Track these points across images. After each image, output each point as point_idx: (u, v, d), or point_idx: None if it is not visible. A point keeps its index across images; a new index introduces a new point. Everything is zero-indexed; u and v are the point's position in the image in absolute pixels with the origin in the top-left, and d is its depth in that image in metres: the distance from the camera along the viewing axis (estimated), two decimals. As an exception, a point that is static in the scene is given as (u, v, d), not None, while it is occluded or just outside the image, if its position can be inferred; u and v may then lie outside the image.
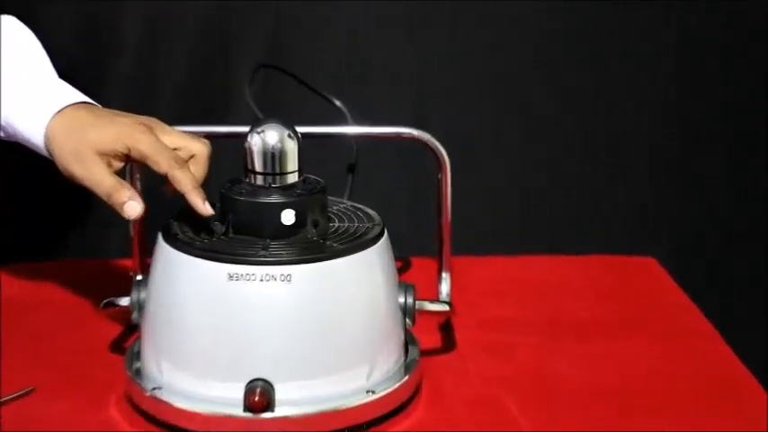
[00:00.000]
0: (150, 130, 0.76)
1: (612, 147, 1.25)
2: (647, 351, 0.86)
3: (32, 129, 0.78)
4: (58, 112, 0.78)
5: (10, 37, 0.84)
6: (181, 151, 0.77)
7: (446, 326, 0.88)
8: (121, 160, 0.76)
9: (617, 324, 0.92)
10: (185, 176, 0.74)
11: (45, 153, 0.79)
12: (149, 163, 0.75)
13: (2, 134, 0.82)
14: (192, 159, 0.77)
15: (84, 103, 0.80)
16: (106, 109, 0.80)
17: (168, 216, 0.77)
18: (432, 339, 0.86)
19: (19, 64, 0.82)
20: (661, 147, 1.24)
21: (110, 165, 0.76)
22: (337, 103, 0.91)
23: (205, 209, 0.74)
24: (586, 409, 0.77)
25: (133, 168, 0.84)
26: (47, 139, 0.78)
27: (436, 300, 0.87)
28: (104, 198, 0.75)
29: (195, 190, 0.74)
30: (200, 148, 0.77)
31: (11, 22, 0.86)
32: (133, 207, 0.74)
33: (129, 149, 0.75)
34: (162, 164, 0.74)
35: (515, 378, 0.81)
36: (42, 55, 0.85)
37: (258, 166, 0.74)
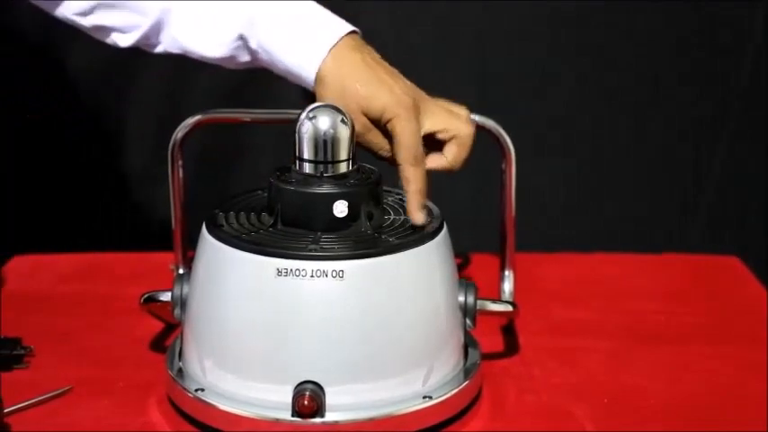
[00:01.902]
0: (417, 108, 0.77)
1: (691, 138, 1.26)
2: (731, 360, 0.85)
3: (305, 61, 0.78)
4: (333, 47, 0.78)
5: None
6: (442, 133, 0.78)
7: (509, 328, 0.88)
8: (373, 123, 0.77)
9: (698, 329, 0.91)
10: (417, 177, 0.76)
11: (305, 85, 0.80)
12: (396, 147, 0.76)
13: (256, 64, 0.82)
14: (453, 141, 0.78)
15: (352, 34, 0.80)
16: (372, 52, 0.80)
17: (213, 205, 0.78)
18: (493, 342, 0.86)
19: None
20: (740, 141, 1.25)
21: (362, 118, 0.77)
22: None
23: (418, 216, 0.75)
24: (664, 424, 0.76)
25: (175, 154, 0.85)
26: (318, 79, 0.78)
27: (498, 299, 0.87)
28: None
29: (418, 195, 0.76)
30: (463, 130, 0.78)
31: None
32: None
33: (386, 123, 0.76)
34: (406, 156, 0.76)
35: (585, 387, 0.81)
36: None
37: (309, 154, 0.75)
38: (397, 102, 0.76)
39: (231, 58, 0.82)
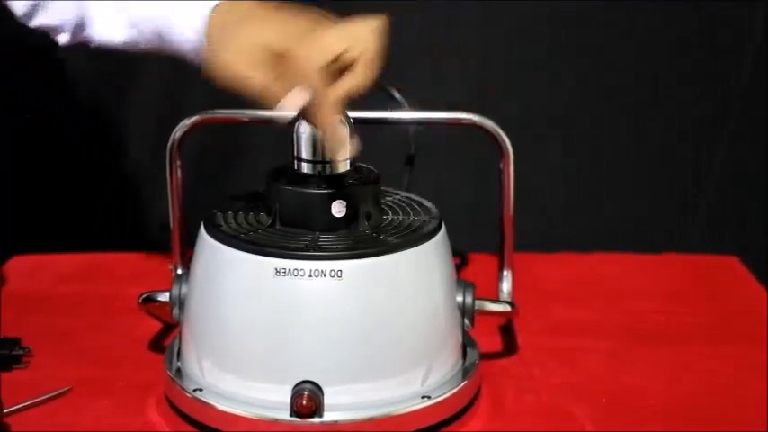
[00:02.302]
0: (313, 32, 0.72)
1: (691, 137, 1.26)
2: (731, 360, 0.85)
3: (191, 20, 0.79)
4: (218, 4, 0.77)
5: None
6: (347, 54, 0.72)
7: (507, 328, 0.88)
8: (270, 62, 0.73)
9: (697, 329, 0.91)
10: (328, 98, 0.71)
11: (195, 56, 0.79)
12: (298, 72, 0.71)
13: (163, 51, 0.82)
14: (359, 59, 0.72)
15: None
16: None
17: (211, 205, 0.78)
18: (492, 342, 0.86)
19: None
20: (740, 142, 1.26)
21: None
22: (397, 95, 0.91)
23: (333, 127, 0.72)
24: (664, 424, 0.76)
25: (174, 154, 0.85)
26: (206, 36, 0.77)
27: (497, 299, 0.87)
28: (258, 94, 0.73)
29: (333, 109, 0.71)
30: (367, 46, 0.73)
31: None
32: (293, 98, 0.71)
33: (284, 57, 0.72)
34: (313, 78, 0.71)
35: (584, 387, 0.81)
36: None
37: (307, 154, 0.75)
38: (287, 29, 0.73)
39: (137, 43, 0.83)
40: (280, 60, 0.73)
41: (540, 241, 1.11)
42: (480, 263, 0.99)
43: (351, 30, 0.74)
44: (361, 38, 0.73)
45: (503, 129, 0.85)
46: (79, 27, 0.86)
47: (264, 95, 0.73)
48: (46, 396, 0.77)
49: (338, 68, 0.73)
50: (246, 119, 0.87)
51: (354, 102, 0.82)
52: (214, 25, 0.78)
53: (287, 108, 0.72)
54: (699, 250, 1.09)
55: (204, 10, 0.79)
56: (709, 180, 1.29)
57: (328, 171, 0.75)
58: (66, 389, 0.78)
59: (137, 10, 0.83)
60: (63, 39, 0.87)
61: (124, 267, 1.03)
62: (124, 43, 0.84)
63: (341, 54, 0.72)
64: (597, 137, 1.28)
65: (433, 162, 1.09)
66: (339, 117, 0.74)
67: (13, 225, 1.22)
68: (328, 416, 0.71)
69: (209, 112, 0.86)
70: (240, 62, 0.74)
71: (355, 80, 0.73)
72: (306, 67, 0.71)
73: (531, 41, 1.26)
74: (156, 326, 0.88)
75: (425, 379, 0.74)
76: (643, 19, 1.25)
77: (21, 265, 1.03)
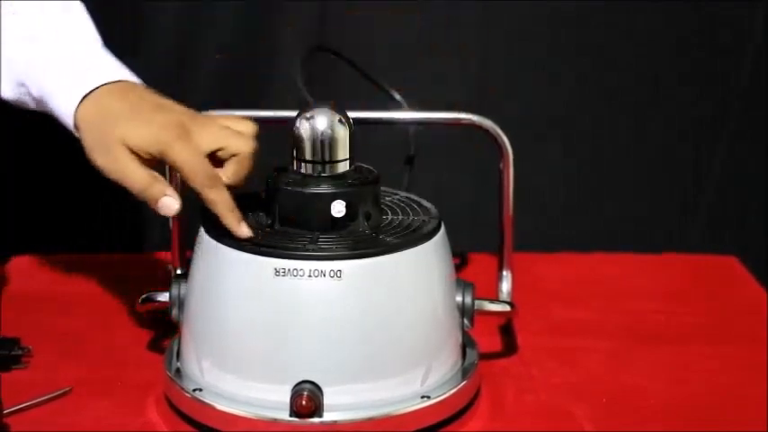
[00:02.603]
0: (187, 133, 0.74)
1: (691, 138, 1.26)
2: (731, 360, 0.85)
3: (64, 108, 0.77)
4: (89, 93, 0.76)
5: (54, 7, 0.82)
6: (221, 152, 0.75)
7: (507, 328, 0.88)
8: (154, 163, 0.74)
9: (697, 329, 0.91)
10: (220, 197, 0.73)
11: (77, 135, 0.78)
12: (183, 176, 0.74)
13: (34, 106, 0.80)
14: (232, 159, 0.75)
15: (121, 82, 0.78)
16: (143, 92, 0.78)
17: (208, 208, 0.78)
18: (492, 342, 0.86)
19: (58, 29, 0.80)
20: (740, 142, 1.26)
21: (141, 160, 0.74)
22: (396, 96, 0.92)
23: (241, 230, 0.73)
24: (663, 424, 0.76)
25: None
26: (76, 124, 0.77)
27: (496, 299, 0.87)
28: (136, 194, 0.75)
29: (230, 213, 0.73)
30: (242, 147, 0.75)
31: None
32: (169, 204, 0.74)
33: (162, 155, 0.73)
34: (196, 182, 0.73)
35: (584, 387, 0.81)
36: (84, 19, 0.83)
37: (307, 154, 0.75)
38: (165, 129, 0.73)
39: (22, 102, 0.81)
40: (158, 160, 0.74)
41: (540, 241, 1.11)
42: (480, 263, 0.99)
43: (229, 127, 0.76)
44: (239, 138, 0.75)
45: (503, 129, 0.85)
46: None
47: (145, 193, 0.74)
48: (46, 397, 0.77)
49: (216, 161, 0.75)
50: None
51: (354, 102, 0.82)
52: (86, 118, 0.76)
53: (168, 210, 0.74)
54: (699, 250, 1.09)
55: (74, 97, 0.76)
56: (708, 180, 1.29)
57: (328, 171, 0.75)
58: (66, 389, 0.78)
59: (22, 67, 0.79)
60: None
61: (123, 268, 1.03)
62: (14, 101, 0.81)
63: (217, 150, 0.74)
64: (597, 137, 1.28)
65: (432, 162, 1.09)
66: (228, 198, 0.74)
67: (12, 226, 1.22)
68: (328, 416, 0.71)
69: (209, 112, 0.85)
70: (120, 160, 0.74)
71: (226, 179, 0.74)
72: (186, 169, 0.73)
73: (530, 41, 1.26)
74: (155, 326, 0.88)
75: (425, 379, 0.74)
76: (643, 19, 1.25)
77: (20, 266, 1.03)
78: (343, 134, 0.75)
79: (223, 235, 0.74)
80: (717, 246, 1.11)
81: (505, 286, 0.89)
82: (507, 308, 0.82)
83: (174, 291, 0.78)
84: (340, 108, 0.76)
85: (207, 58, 1.16)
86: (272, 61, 1.17)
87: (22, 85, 0.80)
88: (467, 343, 0.80)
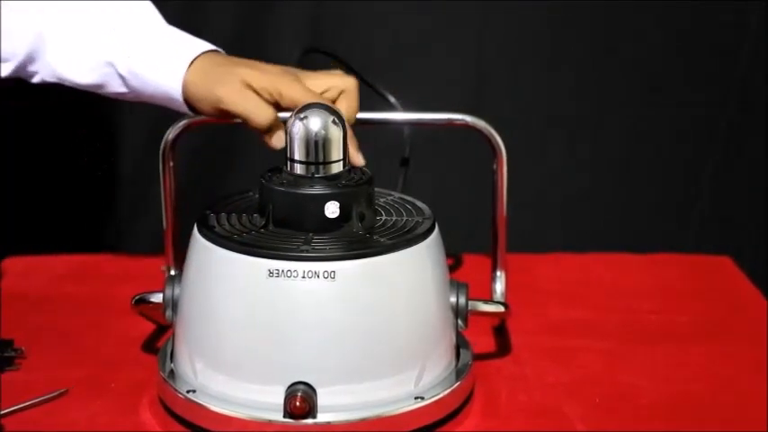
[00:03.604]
0: (299, 78, 0.81)
1: (685, 138, 1.27)
2: (725, 359, 0.85)
3: (169, 74, 0.81)
4: (198, 56, 0.82)
5: None
6: (329, 92, 0.81)
7: (501, 328, 0.89)
8: (269, 103, 0.80)
9: (691, 329, 0.91)
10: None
11: (177, 102, 0.82)
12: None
13: (127, 92, 0.84)
14: (342, 95, 0.81)
15: (213, 51, 0.84)
16: (236, 59, 0.84)
17: (204, 206, 0.78)
18: (485, 343, 0.86)
19: (133, 18, 0.85)
20: (735, 142, 1.26)
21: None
22: (392, 99, 0.92)
23: (358, 158, 0.79)
24: (659, 423, 0.77)
25: (166, 155, 0.85)
26: (186, 82, 0.81)
27: (490, 300, 0.87)
28: (257, 125, 0.79)
29: (352, 139, 0.78)
30: (349, 83, 0.82)
31: None
32: (283, 138, 0.77)
33: (281, 95, 0.79)
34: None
35: (578, 387, 0.81)
36: (151, 6, 0.88)
37: (300, 155, 0.75)
38: (278, 74, 0.80)
39: (103, 85, 0.85)
40: (273, 102, 0.80)
41: (535, 242, 1.11)
42: (475, 263, 0.99)
43: (326, 72, 0.83)
44: (338, 77, 0.82)
45: (501, 129, 0.85)
46: (27, 61, 0.85)
47: (267, 125, 0.79)
48: (41, 398, 0.77)
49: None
50: (239, 120, 0.87)
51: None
52: (201, 69, 0.81)
53: (280, 142, 0.79)
54: (693, 251, 1.09)
55: (181, 60, 0.82)
56: (703, 181, 1.29)
57: (321, 172, 0.75)
58: (62, 391, 0.78)
59: (102, 51, 0.83)
60: (5, 70, 0.86)
61: (117, 268, 1.03)
62: (89, 84, 0.85)
63: (325, 90, 0.81)
64: (592, 138, 1.29)
65: (428, 162, 1.09)
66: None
67: (6, 226, 1.22)
68: (322, 417, 0.71)
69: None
70: (247, 96, 0.79)
71: (344, 113, 0.78)
72: (309, 94, 0.79)
73: (530, 41, 1.26)
74: (149, 327, 0.88)
75: (419, 380, 0.74)
76: (642, 19, 1.25)
77: (14, 267, 1.03)
78: (336, 135, 0.75)
79: (216, 235, 0.74)
80: (711, 246, 1.11)
81: (499, 286, 0.89)
82: (501, 308, 0.82)
83: (168, 292, 0.78)
84: (334, 108, 0.76)
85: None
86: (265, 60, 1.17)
87: (110, 64, 0.83)
88: (461, 343, 0.80)
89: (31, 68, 0.86)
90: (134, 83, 0.83)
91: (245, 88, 0.80)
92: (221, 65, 0.82)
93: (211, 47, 0.84)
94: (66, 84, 0.86)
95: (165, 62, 0.82)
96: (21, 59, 0.85)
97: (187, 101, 0.82)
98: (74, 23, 0.84)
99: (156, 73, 0.82)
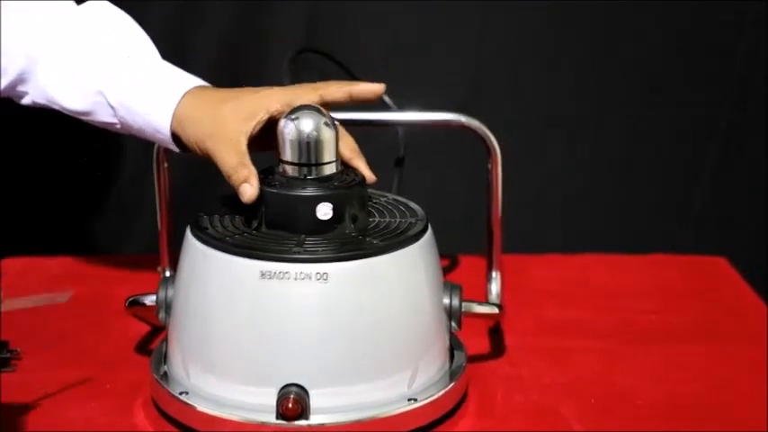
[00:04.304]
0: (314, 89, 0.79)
1: (683, 138, 1.27)
2: (720, 359, 0.85)
3: (158, 109, 0.79)
4: (187, 91, 0.79)
5: (114, 22, 0.86)
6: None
7: (495, 330, 0.89)
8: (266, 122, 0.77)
9: (688, 329, 0.91)
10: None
11: (165, 137, 0.80)
12: (328, 95, 0.77)
13: (116, 123, 0.83)
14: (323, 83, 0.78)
15: (202, 87, 0.81)
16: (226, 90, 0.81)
17: (198, 209, 0.79)
18: (480, 344, 0.86)
19: (127, 49, 0.84)
20: (732, 143, 1.26)
21: (251, 133, 0.76)
22: (386, 99, 0.92)
23: (370, 175, 0.78)
24: (656, 423, 0.77)
25: (161, 157, 0.86)
26: (176, 119, 0.78)
27: (485, 302, 0.87)
28: (225, 177, 0.77)
29: (359, 155, 0.79)
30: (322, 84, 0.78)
31: (109, 8, 0.87)
32: (245, 189, 0.75)
33: (277, 112, 0.76)
34: (336, 87, 0.77)
35: (574, 387, 0.81)
36: (147, 39, 0.87)
37: (292, 156, 0.75)
38: (292, 93, 0.77)
39: (92, 113, 0.84)
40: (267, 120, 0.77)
41: (534, 242, 1.11)
42: (471, 264, 0.99)
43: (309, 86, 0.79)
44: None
45: (500, 129, 0.85)
46: (18, 81, 0.85)
47: (231, 175, 0.76)
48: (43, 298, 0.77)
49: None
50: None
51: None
52: (190, 106, 0.79)
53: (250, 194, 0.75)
54: (688, 251, 1.09)
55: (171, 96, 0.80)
56: (699, 181, 1.29)
57: (314, 173, 0.75)
58: (56, 392, 0.79)
59: (94, 80, 0.82)
60: None
61: (112, 270, 1.03)
62: (78, 111, 0.84)
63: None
64: (588, 138, 1.28)
65: (423, 163, 1.09)
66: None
67: (4, 227, 1.22)
68: (314, 419, 0.71)
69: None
70: (218, 142, 0.76)
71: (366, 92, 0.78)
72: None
73: (530, 41, 1.26)
74: (145, 328, 0.88)
75: (412, 381, 0.74)
76: (642, 19, 1.25)
77: (10, 268, 1.03)
78: (329, 136, 0.75)
79: (210, 237, 0.74)
80: (706, 247, 1.11)
81: (494, 287, 0.89)
82: (495, 310, 0.82)
83: (161, 293, 0.78)
84: (326, 110, 0.76)
85: (194, 60, 1.16)
86: (260, 62, 1.17)
87: (101, 93, 0.82)
88: (455, 345, 0.80)
89: (22, 89, 0.85)
90: (123, 114, 0.82)
91: (224, 135, 0.77)
92: (211, 103, 0.79)
93: (202, 82, 0.82)
94: (56, 108, 0.85)
95: (155, 93, 0.80)
96: (12, 78, 0.85)
97: (175, 137, 0.80)
98: (68, 49, 0.83)
99: (145, 106, 0.80)
